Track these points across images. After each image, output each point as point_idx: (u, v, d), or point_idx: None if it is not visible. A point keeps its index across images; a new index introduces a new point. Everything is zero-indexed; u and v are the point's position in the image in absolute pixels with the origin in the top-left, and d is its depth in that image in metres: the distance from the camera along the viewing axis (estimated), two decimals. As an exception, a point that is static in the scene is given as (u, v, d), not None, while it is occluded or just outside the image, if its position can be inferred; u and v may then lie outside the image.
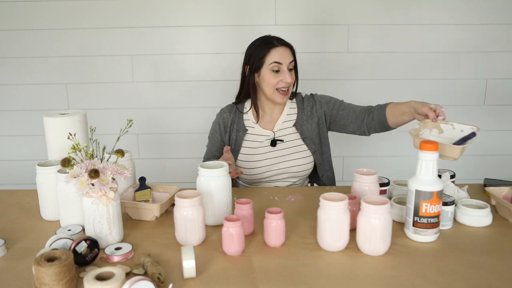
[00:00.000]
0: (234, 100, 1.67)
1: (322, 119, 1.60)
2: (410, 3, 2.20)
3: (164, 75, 2.29)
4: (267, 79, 1.51)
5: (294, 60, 1.54)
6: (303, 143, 1.58)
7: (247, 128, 1.60)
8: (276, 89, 1.51)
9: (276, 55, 1.49)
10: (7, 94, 2.31)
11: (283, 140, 1.58)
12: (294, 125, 1.59)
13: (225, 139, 1.62)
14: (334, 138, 2.34)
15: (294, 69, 1.55)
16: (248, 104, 1.64)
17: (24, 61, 2.26)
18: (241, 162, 1.59)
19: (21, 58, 2.25)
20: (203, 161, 1.58)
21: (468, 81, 2.30)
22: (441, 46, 2.26)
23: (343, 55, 2.26)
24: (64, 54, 2.25)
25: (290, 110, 1.62)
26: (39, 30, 2.22)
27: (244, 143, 1.59)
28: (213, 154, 1.66)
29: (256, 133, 1.59)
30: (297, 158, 1.57)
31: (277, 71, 1.50)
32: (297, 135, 1.58)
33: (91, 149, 1.08)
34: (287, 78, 1.49)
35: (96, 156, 1.09)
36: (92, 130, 1.14)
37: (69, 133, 1.12)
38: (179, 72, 2.29)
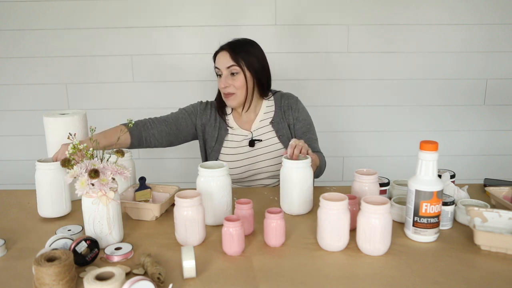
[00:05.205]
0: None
1: (291, 126, 1.60)
2: (410, 3, 2.20)
3: (164, 75, 2.29)
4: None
5: (238, 64, 1.49)
6: (279, 141, 1.58)
7: (228, 128, 1.60)
8: (223, 92, 1.55)
9: (217, 60, 1.54)
10: (7, 94, 2.31)
11: (261, 140, 1.58)
12: (271, 122, 1.59)
13: (195, 123, 1.60)
14: (334, 138, 2.35)
15: (251, 72, 1.51)
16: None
17: (24, 61, 2.26)
18: None
19: (21, 58, 2.25)
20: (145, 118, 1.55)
21: (468, 81, 2.30)
22: (441, 46, 2.25)
23: (343, 55, 2.26)
24: (64, 54, 2.25)
25: (267, 108, 1.62)
26: (39, 30, 2.22)
27: (225, 143, 1.60)
28: (163, 119, 1.59)
29: (235, 133, 1.60)
30: (273, 158, 1.56)
31: (220, 75, 1.54)
32: (274, 133, 1.59)
33: (91, 149, 1.08)
34: (221, 83, 1.52)
35: (96, 156, 1.09)
36: (92, 130, 1.14)
37: (69, 133, 1.12)
38: (179, 72, 2.29)
